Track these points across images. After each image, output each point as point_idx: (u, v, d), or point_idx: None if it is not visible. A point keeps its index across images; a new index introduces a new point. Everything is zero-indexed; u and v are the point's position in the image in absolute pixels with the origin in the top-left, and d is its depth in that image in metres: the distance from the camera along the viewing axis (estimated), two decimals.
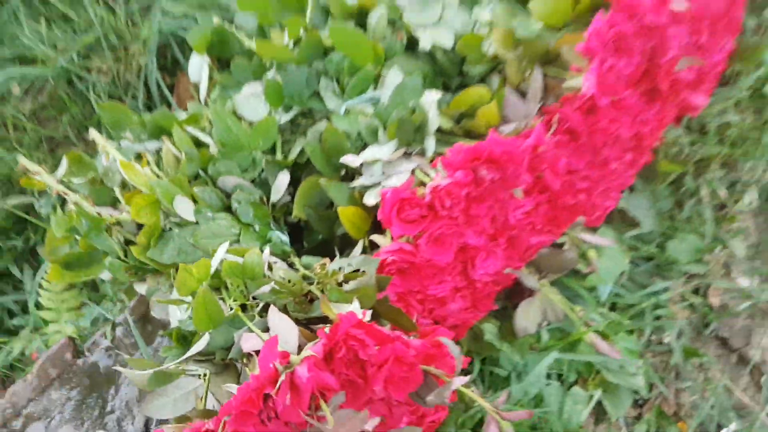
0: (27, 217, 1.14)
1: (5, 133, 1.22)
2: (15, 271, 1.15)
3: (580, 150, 0.77)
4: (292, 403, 0.52)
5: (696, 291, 1.01)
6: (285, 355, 0.54)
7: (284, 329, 0.58)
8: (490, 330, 0.88)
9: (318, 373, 0.53)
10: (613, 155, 0.82)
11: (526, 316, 0.85)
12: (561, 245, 0.88)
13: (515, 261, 0.82)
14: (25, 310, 1.13)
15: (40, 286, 1.07)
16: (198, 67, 0.96)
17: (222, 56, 0.95)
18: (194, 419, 0.59)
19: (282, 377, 0.52)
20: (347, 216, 0.72)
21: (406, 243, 0.70)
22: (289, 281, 0.65)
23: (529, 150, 0.68)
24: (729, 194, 1.04)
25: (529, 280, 0.84)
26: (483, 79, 0.81)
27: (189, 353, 0.62)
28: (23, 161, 0.83)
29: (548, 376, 0.91)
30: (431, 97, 0.75)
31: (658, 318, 0.97)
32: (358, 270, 0.64)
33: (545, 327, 0.90)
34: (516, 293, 0.88)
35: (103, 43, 1.20)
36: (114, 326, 0.92)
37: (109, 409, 0.88)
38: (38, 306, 1.07)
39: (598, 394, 0.91)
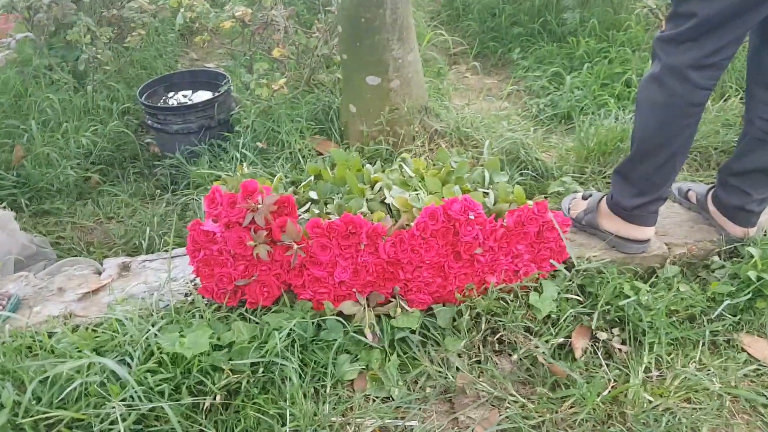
0: None
1: None
2: None
3: (406, 250, 1.62)
4: None
5: None
6: None
7: None
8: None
9: None
10: (425, 269, 1.65)
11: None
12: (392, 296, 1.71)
13: (358, 284, 1.68)
14: None
15: None
16: None
17: None
18: None
19: None
20: None
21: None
22: None
23: (369, 227, 1.56)
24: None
25: (359, 301, 1.68)
26: None
27: None
28: None
29: None
30: None
31: None
32: None
33: None
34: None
35: None
36: None
37: None
38: None
39: None
